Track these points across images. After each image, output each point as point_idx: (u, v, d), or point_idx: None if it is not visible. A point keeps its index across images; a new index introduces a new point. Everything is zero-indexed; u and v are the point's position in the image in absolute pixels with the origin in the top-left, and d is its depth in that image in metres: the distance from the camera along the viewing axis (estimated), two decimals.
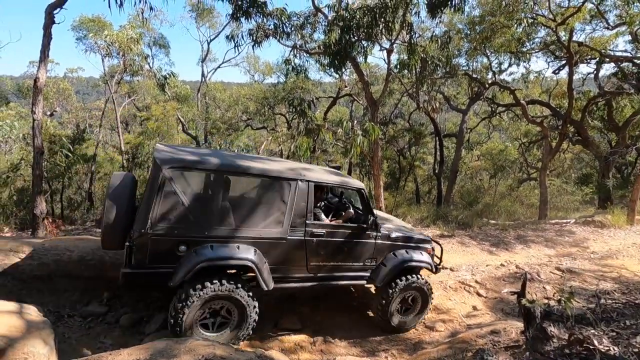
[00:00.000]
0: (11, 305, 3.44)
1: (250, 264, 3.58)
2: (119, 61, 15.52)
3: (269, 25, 8.87)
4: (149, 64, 17.89)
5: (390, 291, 4.37)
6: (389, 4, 7.80)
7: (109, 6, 6.49)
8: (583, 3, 10.68)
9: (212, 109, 21.46)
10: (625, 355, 2.25)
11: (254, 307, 3.65)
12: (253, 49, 9.40)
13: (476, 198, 17.28)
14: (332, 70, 10.78)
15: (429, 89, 15.12)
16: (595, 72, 14.11)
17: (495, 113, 18.63)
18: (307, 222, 3.94)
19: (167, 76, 11.58)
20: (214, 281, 3.43)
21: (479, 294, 5.70)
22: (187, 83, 22.47)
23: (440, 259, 5.01)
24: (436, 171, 18.69)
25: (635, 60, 12.38)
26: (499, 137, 25.69)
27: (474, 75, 14.79)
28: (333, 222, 4.39)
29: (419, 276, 4.56)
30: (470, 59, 14.32)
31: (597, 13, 12.12)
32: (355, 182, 4.52)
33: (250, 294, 3.63)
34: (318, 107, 20.37)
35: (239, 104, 20.51)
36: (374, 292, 4.91)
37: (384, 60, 13.78)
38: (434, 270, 4.78)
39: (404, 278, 4.42)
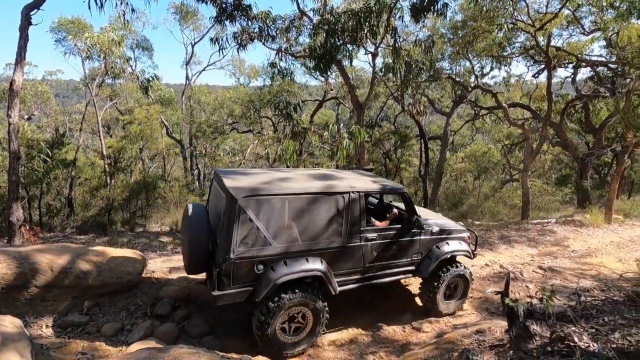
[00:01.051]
0: None
1: (320, 273, 4.03)
2: (100, 64, 15.19)
3: (254, 29, 8.84)
4: (131, 66, 17.55)
5: (439, 279, 4.82)
6: (374, 8, 7.88)
7: (89, 7, 6.38)
8: (560, 9, 11.03)
9: (197, 112, 21.23)
10: (604, 351, 2.31)
11: (325, 309, 4.15)
12: (238, 52, 9.35)
13: (461, 199, 17.57)
14: (318, 73, 10.81)
15: (414, 92, 15.33)
16: (572, 76, 14.59)
17: (478, 116, 19.02)
18: (361, 228, 4.34)
19: (150, 79, 11.37)
20: (295, 291, 3.92)
21: None
22: (171, 86, 22.21)
23: (475, 245, 5.38)
24: (422, 173, 18.92)
25: (610, 65, 12.85)
26: (482, 139, 26.22)
27: (457, 79, 15.07)
28: (382, 224, 4.76)
29: (460, 264, 5.01)
30: (454, 63, 14.60)
31: (574, 19, 12.54)
32: (397, 186, 4.91)
33: (322, 299, 4.10)
34: (304, 110, 20.36)
35: (224, 107, 20.36)
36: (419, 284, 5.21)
37: (369, 63, 13.91)
38: (471, 256, 5.21)
39: (447, 268, 4.87)
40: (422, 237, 4.78)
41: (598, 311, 3.44)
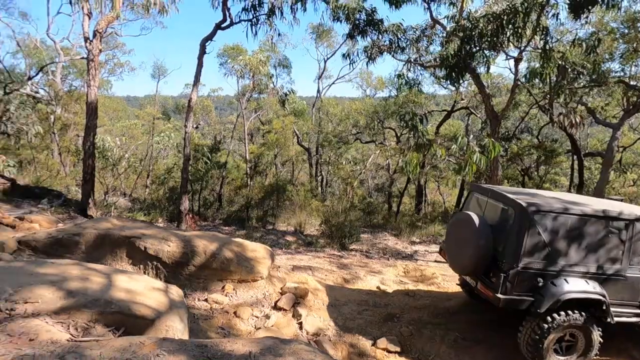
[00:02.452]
0: (160, 284, 4.18)
1: (602, 298, 3.99)
2: (249, 81, 17.81)
3: (384, 41, 8.97)
4: (273, 82, 20.02)
5: None
6: (520, 8, 7.05)
7: (247, 35, 7.58)
8: None
9: (324, 123, 22.66)
10: None
11: (599, 336, 4.07)
12: (367, 65, 9.63)
13: None
14: (449, 83, 10.25)
15: (567, 100, 13.00)
16: None
17: None
18: None
19: (287, 93, 12.78)
20: (574, 311, 3.94)
21: None
22: (304, 99, 24.34)
23: None
24: None
25: None
26: None
27: (632, 83, 12.12)
28: None
29: None
30: (627, 63, 11.81)
31: None
32: None
33: (597, 324, 4.04)
34: (430, 121, 19.53)
35: (350, 118, 21.17)
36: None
37: (510, 69, 12.41)
38: None
39: None
40: None
41: None
